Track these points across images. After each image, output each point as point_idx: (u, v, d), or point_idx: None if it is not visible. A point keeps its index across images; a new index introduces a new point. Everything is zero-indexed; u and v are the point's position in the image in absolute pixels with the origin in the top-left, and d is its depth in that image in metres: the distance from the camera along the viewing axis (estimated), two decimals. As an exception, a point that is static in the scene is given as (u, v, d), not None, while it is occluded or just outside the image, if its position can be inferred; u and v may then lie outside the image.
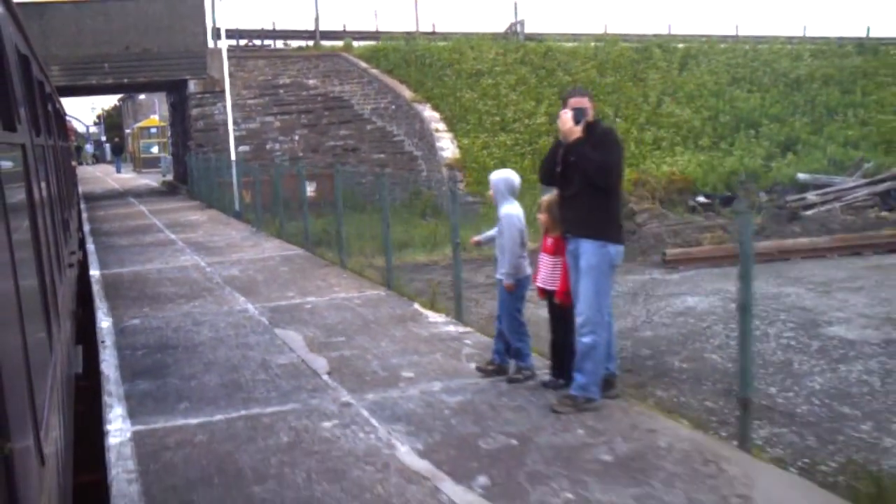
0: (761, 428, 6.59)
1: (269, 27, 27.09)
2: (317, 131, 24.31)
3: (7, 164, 2.63)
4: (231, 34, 25.78)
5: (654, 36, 26.87)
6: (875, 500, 4.12)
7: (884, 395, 7.48)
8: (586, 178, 4.51)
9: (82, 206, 20.11)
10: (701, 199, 19.01)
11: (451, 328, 6.55)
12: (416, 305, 7.50)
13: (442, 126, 21.98)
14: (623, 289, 12.65)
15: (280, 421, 4.64)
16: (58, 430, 3.10)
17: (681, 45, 26.27)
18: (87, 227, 15.73)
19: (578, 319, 4.53)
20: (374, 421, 4.57)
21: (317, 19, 26.37)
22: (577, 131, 4.55)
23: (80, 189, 24.04)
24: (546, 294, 4.95)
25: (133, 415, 4.87)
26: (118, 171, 42.62)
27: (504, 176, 5.22)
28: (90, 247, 12.97)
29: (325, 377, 5.45)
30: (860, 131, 22.57)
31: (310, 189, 15.34)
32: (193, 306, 7.98)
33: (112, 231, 15.26)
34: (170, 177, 30.86)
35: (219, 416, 4.76)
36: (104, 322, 7.44)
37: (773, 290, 12.16)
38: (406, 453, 4.09)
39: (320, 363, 5.76)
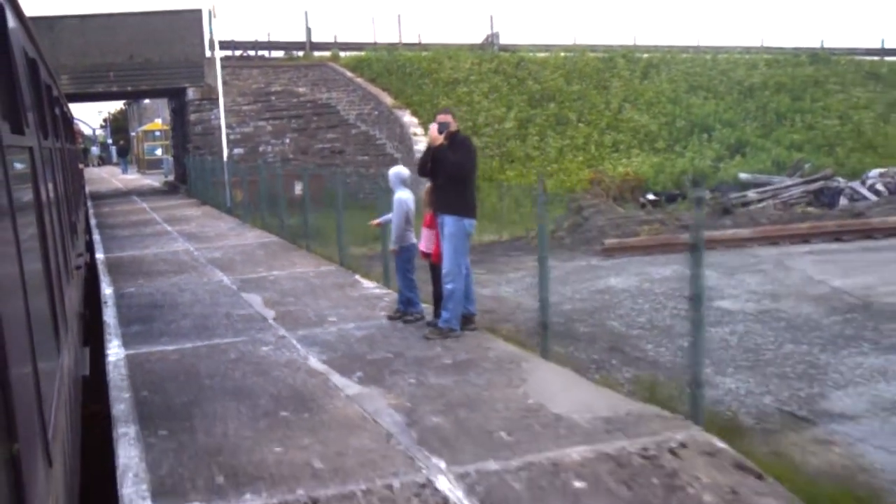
0: (627, 371, 8.36)
1: (264, 38, 28.89)
2: (306, 135, 26.08)
3: (15, 167, 2.60)
4: (227, 45, 27.65)
5: (620, 47, 28.62)
6: (647, 392, 5.83)
7: (735, 349, 9.23)
8: (447, 172, 6.26)
9: (89, 203, 21.85)
10: (650, 196, 20.75)
11: (377, 290, 8.31)
12: (357, 276, 9.26)
13: (419, 130, 23.70)
14: (559, 272, 14.39)
15: (231, 347, 6.39)
16: (65, 431, 3.12)
17: (645, 55, 28.01)
18: (93, 221, 17.50)
19: (443, 272, 6.29)
20: (298, 346, 6.32)
21: (308, 31, 28.12)
22: (440, 139, 6.30)
23: (87, 189, 25.78)
24: (426, 256, 6.70)
25: (126, 345, 6.62)
26: (123, 172, 44.41)
27: (396, 171, 7.00)
28: (96, 237, 14.74)
29: (272, 322, 7.20)
30: (806, 135, 24.31)
31: (298, 188, 17.09)
32: (179, 279, 9.74)
33: (116, 224, 17.04)
34: (171, 177, 32.65)
35: (188, 344, 6.52)
36: (107, 290, 9.21)
37: (688, 272, 13.89)
38: (314, 362, 5.84)
39: (270, 313, 7.52)
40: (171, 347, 6.46)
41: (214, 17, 21.99)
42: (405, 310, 6.95)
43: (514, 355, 5.77)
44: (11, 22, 2.97)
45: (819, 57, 28.84)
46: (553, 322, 11.36)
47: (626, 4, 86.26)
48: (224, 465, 4.01)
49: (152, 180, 35.63)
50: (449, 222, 6.28)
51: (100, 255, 12.14)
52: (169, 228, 15.66)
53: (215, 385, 5.38)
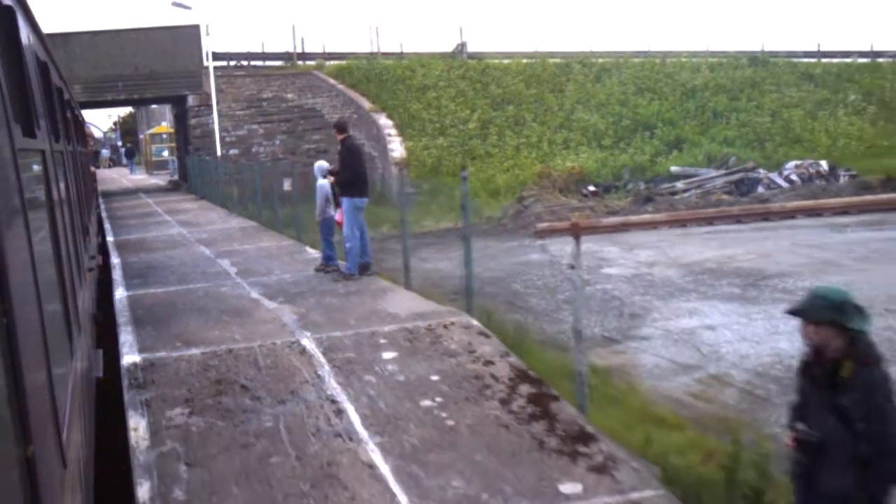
0: (508, 315, 11.00)
1: (256, 49, 31.59)
2: (294, 137, 28.79)
3: (27, 171, 2.58)
4: (224, 57, 30.37)
5: (578, 53, 31.19)
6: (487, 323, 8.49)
7: (596, 300, 11.89)
8: (340, 169, 8.95)
9: (100, 200, 24.56)
10: (591, 187, 23.37)
11: (316, 255, 10.99)
12: (307, 248, 11.95)
13: (393, 131, 26.41)
14: (494, 251, 17.13)
15: (201, 289, 9.10)
16: (79, 433, 3.11)
17: (600, 61, 30.60)
18: (104, 214, 20.23)
19: (343, 236, 8.99)
20: (246, 286, 9.02)
21: (295, 44, 30.83)
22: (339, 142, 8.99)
23: (99, 188, 28.51)
24: (340, 224, 9.39)
25: (127, 289, 9.33)
26: (131, 172, 47.18)
27: (319, 164, 9.71)
28: (107, 225, 17.47)
29: (233, 275, 9.91)
30: (738, 131, 26.89)
31: (287, 184, 19.76)
32: (171, 252, 12.46)
33: (123, 216, 19.79)
34: (175, 176, 35.41)
35: (171, 288, 9.22)
36: (115, 259, 11.93)
37: (595, 248, 16.59)
38: (254, 294, 8.54)
39: (233, 270, 10.22)
40: (159, 290, 9.17)
41: (207, 34, 24.62)
42: (326, 264, 9.63)
43: (387, 288, 8.46)
44: (22, 26, 2.96)
45: (758, 60, 31.35)
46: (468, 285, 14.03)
47: (586, 14, 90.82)
48: (182, 339, 6.71)
49: (158, 180, 38.44)
50: (344, 202, 8.98)
51: (110, 238, 14.87)
52: (168, 218, 18.40)
53: (185, 307, 8.08)
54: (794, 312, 3.31)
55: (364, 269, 9.15)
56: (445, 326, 6.65)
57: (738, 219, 19.60)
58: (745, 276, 12.92)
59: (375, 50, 30.56)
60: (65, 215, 4.16)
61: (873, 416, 3.10)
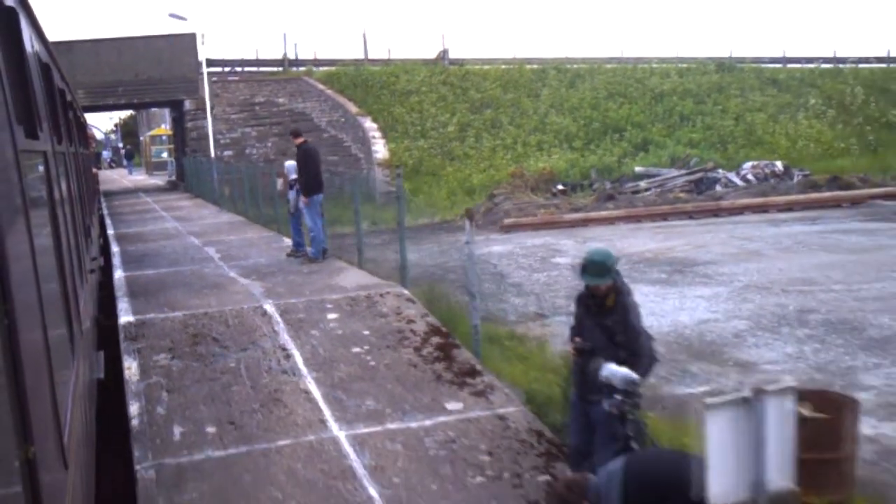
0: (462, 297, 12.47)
1: (250, 56, 33.10)
2: (285, 139, 30.11)
3: (29, 172, 2.57)
4: (218, 63, 31.87)
5: (554, 59, 32.70)
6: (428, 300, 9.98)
7: (541, 285, 13.37)
8: (299, 171, 10.46)
9: (102, 199, 26.04)
10: (560, 186, 24.85)
11: (290, 244, 12.49)
12: (284, 238, 13.43)
13: (378, 134, 27.91)
14: (460, 244, 18.55)
15: (187, 270, 10.59)
16: (80, 434, 3.15)
17: (574, 66, 32.10)
18: (105, 211, 21.72)
19: (308, 228, 10.49)
20: (226, 268, 10.52)
21: (286, 51, 32.34)
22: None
23: (101, 187, 29.98)
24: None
25: (125, 271, 10.82)
26: (130, 173, 48.68)
27: (290, 164, 11.19)
28: (108, 220, 18.95)
29: (217, 259, 11.40)
30: (703, 134, 28.39)
31: (279, 184, 21.27)
32: (165, 242, 13.96)
33: (123, 212, 21.28)
34: (173, 177, 36.89)
35: (162, 270, 10.72)
36: (115, 248, 13.43)
37: (552, 241, 18.11)
38: (232, 274, 10.04)
39: (217, 256, 11.72)
40: (151, 272, 10.67)
41: (203, 43, 26.13)
42: (296, 250, 11.13)
43: (344, 268, 9.98)
44: (24, 27, 2.94)
45: (725, 65, 32.85)
46: (435, 273, 15.48)
47: (563, 22, 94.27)
48: (168, 305, 8.21)
49: (157, 180, 39.94)
50: (314, 198, 10.50)
51: (110, 231, 16.36)
52: (164, 214, 19.90)
53: (173, 283, 9.59)
54: (584, 272, 4.73)
55: (325, 253, 10.65)
56: (381, 295, 8.15)
57: (690, 214, 21.18)
58: (676, 264, 14.41)
59: (363, 56, 32.06)
60: (66, 217, 4.16)
61: (628, 331, 4.61)
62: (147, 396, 6.22)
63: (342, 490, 5.05)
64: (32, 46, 3.25)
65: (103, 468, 5.32)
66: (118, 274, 10.57)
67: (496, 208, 21.88)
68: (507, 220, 20.43)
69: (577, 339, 4.76)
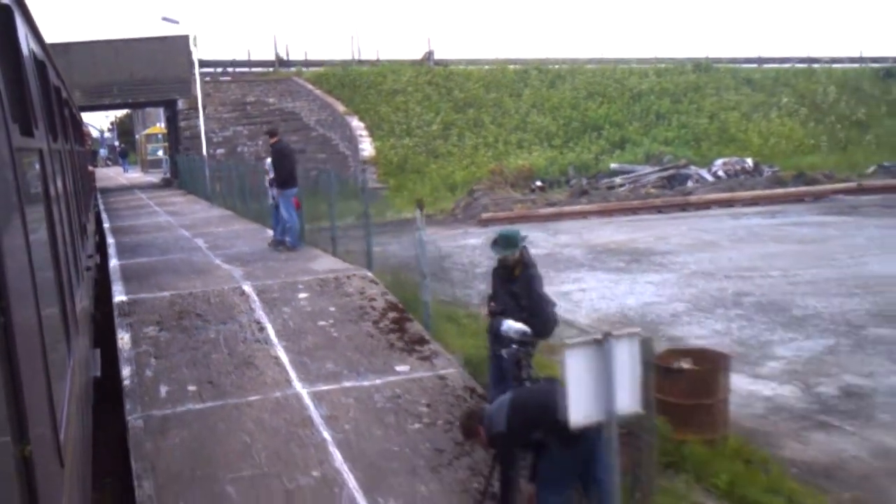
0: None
1: (242, 57, 33.95)
2: (275, 137, 31.12)
3: (24, 170, 2.57)
4: (210, 64, 32.72)
5: (536, 60, 33.62)
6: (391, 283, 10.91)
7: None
8: (274, 167, 11.39)
9: (98, 195, 26.89)
10: (538, 183, 25.78)
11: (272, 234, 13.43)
12: (268, 230, 14.35)
13: (364, 132, 28.81)
14: (439, 236, 19.48)
15: (177, 258, 11.50)
16: (77, 432, 3.14)
17: (556, 67, 33.02)
18: (102, 206, 22.59)
19: (283, 219, 11.41)
20: (212, 256, 11.43)
21: (276, 52, 33.21)
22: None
23: (97, 185, 30.85)
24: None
25: (120, 259, 11.73)
26: (125, 171, 49.51)
27: (269, 160, 12.09)
28: (104, 215, 19.83)
29: (204, 249, 12.31)
30: (678, 132, 29.35)
31: (267, 180, 22.21)
32: (157, 234, 14.86)
33: (119, 207, 22.17)
34: (168, 174, 37.73)
35: (154, 258, 11.63)
36: (110, 240, 14.33)
37: (524, 233, 18.99)
38: (217, 261, 10.96)
39: (205, 245, 12.63)
40: (144, 259, 11.59)
41: (195, 45, 26.99)
42: (280, 240, 12.06)
43: (319, 255, 10.90)
44: (20, 24, 2.93)
45: (702, 66, 33.81)
46: (409, 264, 16.38)
47: (546, 23, 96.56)
48: (157, 287, 9.13)
49: (152, 178, 40.77)
50: (282, 192, 11.43)
51: (106, 224, 17.26)
52: (158, 209, 20.79)
53: (163, 269, 10.51)
54: (495, 245, 5.70)
55: (278, 244, 11.66)
56: (348, 277, 9.08)
57: (659, 209, 22.14)
58: (636, 253, 15.36)
59: (352, 57, 32.94)
60: (62, 214, 4.15)
61: (531, 297, 5.55)
62: (137, 362, 7.14)
63: (301, 435, 5.99)
64: (27, 44, 3.25)
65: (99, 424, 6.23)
66: (113, 262, 11.48)
67: (475, 203, 22.81)
68: (485, 215, 21.37)
69: (492, 304, 5.70)
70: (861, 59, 37.35)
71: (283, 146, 11.99)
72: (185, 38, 31.03)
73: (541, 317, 5.44)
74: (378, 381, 6.74)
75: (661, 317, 10.52)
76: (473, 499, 5.12)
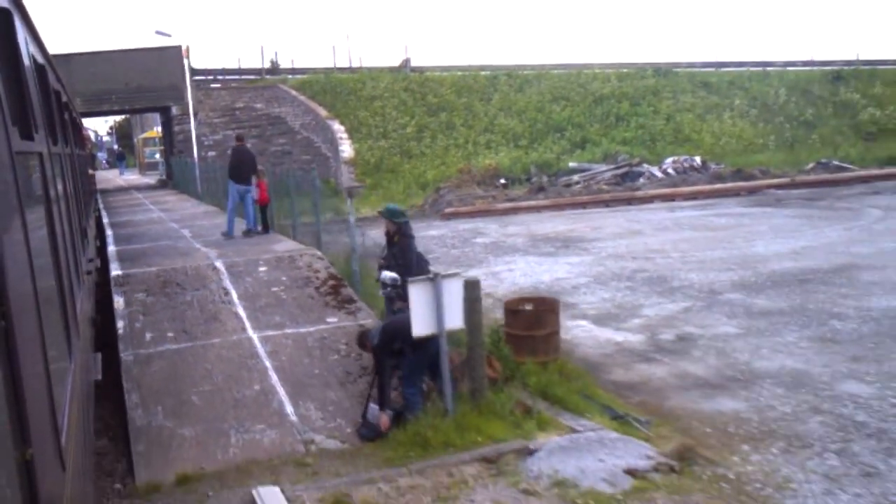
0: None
1: (232, 65, 36.02)
2: (262, 140, 33.17)
3: (25, 174, 2.56)
4: (202, 73, 34.77)
5: (506, 66, 35.72)
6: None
7: (452, 258, 16.36)
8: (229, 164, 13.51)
9: (98, 196, 28.96)
10: (502, 181, 27.87)
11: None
12: (243, 222, 16.42)
13: (344, 135, 30.89)
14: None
15: (165, 244, 13.59)
16: (78, 435, 3.15)
17: (525, 73, 35.11)
18: (101, 205, 24.67)
19: (228, 209, 13.51)
20: (195, 242, 13.52)
21: (263, 62, 35.26)
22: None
23: (97, 186, 32.90)
24: (261, 202, 13.90)
25: (117, 246, 13.82)
26: (122, 174, 51.60)
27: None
28: (104, 212, 21.91)
29: (188, 237, 14.40)
30: (635, 133, 31.43)
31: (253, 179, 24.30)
32: (149, 226, 16.95)
33: (116, 206, 24.26)
34: (163, 176, 39.79)
35: (146, 245, 13.72)
36: (109, 232, 16.41)
37: (481, 225, 21.13)
38: (198, 245, 13.04)
39: (188, 234, 14.72)
40: (137, 246, 13.67)
41: (187, 57, 29.05)
42: (249, 229, 14.14)
43: (281, 240, 12.99)
44: (19, 28, 2.96)
45: (661, 71, 35.91)
46: (367, 249, 18.39)
47: (517, 31, 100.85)
48: (146, 265, 11.22)
49: (149, 179, 42.83)
50: (231, 186, 13.57)
51: (106, 220, 19.35)
52: (152, 207, 22.88)
53: (152, 252, 12.59)
54: (381, 214, 7.81)
55: (266, 229, 13.72)
56: (301, 255, 11.18)
57: (607, 203, 24.24)
58: (568, 240, 17.47)
59: (334, 65, 35.02)
60: (62, 218, 4.16)
61: (406, 258, 7.66)
62: (128, 317, 9.24)
63: (249, 363, 8.09)
64: (27, 48, 3.26)
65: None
66: (111, 248, 13.56)
67: (441, 199, 24.91)
68: (448, 209, 23.47)
69: (381, 260, 7.81)
70: (813, 63, 39.49)
71: (239, 149, 14.10)
72: (177, 49, 33.07)
73: (412, 271, 7.55)
74: (311, 329, 8.85)
75: (565, 288, 12.63)
76: (364, 398, 7.24)
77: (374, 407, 6.89)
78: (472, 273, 14.46)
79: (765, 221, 18.70)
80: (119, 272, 10.77)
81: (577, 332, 10.13)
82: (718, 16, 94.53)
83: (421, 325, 6.38)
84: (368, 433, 6.74)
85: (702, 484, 5.70)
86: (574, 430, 6.46)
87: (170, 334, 8.79)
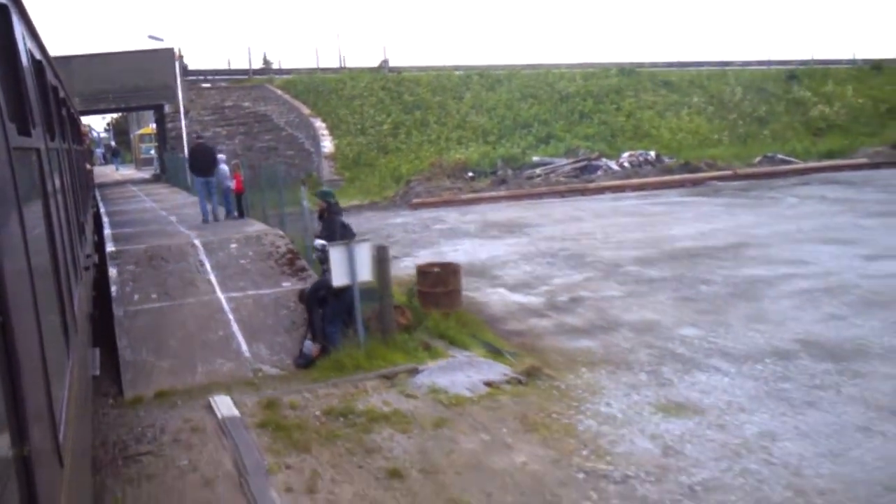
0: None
1: (221, 66, 37.92)
2: (250, 137, 35.13)
3: (22, 169, 2.55)
4: (193, 73, 36.65)
5: (478, 66, 37.66)
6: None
7: (409, 241, 18.36)
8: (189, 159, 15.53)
9: (96, 189, 30.88)
10: (470, 174, 29.84)
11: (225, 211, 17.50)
12: (222, 209, 18.41)
13: (326, 132, 32.83)
14: (374, 217, 23.57)
15: (154, 228, 15.57)
16: (76, 432, 3.12)
17: (496, 73, 37.07)
18: (99, 197, 26.60)
19: (199, 198, 15.51)
20: (179, 225, 15.50)
21: (251, 63, 37.11)
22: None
23: (95, 181, 34.82)
24: (236, 190, 15.88)
25: (112, 230, 15.79)
26: (117, 169, 53.57)
27: (220, 155, 16.16)
28: (101, 203, 23.86)
29: (174, 222, 16.38)
30: (598, 129, 33.41)
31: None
32: (142, 214, 18.92)
33: (113, 197, 26.22)
34: (158, 171, 41.69)
35: (137, 229, 15.69)
36: (105, 219, 18.37)
37: (443, 214, 23.13)
38: (181, 228, 15.03)
39: (175, 220, 16.70)
40: (129, 229, 15.65)
41: (179, 59, 30.97)
42: (227, 213, 16.12)
43: (252, 223, 14.98)
44: (17, 24, 2.95)
45: (625, 70, 37.87)
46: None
47: (491, 32, 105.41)
48: (137, 242, 13.21)
49: (144, 174, 44.72)
50: (194, 179, 15.58)
51: (103, 209, 21.31)
52: (145, 198, 24.84)
53: (142, 234, 14.58)
54: (316, 195, 9.83)
55: (241, 215, 15.72)
56: (266, 235, 13.18)
57: (562, 194, 26.24)
58: (514, 226, 19.48)
59: (317, 66, 36.95)
60: (60, 214, 4.16)
61: (332, 229, 9.68)
62: (121, 283, 11.23)
63: (216, 317, 10.10)
64: (25, 43, 3.25)
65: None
66: (107, 231, 15.54)
67: (411, 191, 26.90)
68: (415, 200, 25.46)
69: (316, 232, 9.82)
70: (770, 63, 41.50)
71: (198, 145, 16.12)
72: (170, 51, 34.96)
73: (336, 238, 9.55)
74: (268, 291, 10.86)
75: (496, 264, 14.64)
76: (303, 339, 9.25)
77: (308, 343, 8.91)
78: (423, 253, 16.49)
79: (693, 209, 20.72)
80: (113, 248, 12.76)
81: (494, 296, 12.15)
82: (684, 17, 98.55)
83: (339, 278, 8.39)
84: (303, 362, 8.77)
85: (539, 391, 7.73)
86: (454, 357, 8.48)
87: (153, 296, 10.79)
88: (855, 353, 8.39)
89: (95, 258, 11.25)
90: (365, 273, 8.46)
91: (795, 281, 11.79)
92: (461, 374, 8.04)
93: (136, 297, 10.76)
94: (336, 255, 8.33)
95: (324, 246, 9.22)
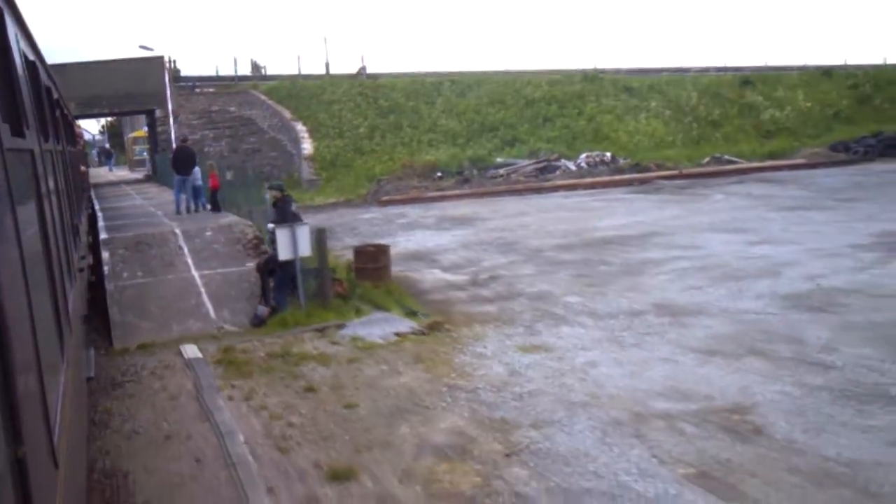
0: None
1: (209, 73, 40.02)
2: (236, 140, 37.24)
3: (15, 170, 2.56)
4: (182, 79, 38.75)
5: (451, 73, 39.86)
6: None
7: (370, 233, 20.50)
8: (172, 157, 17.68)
9: (91, 189, 32.93)
10: (439, 174, 32.00)
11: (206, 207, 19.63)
12: (207, 205, 20.53)
13: (306, 135, 34.96)
14: (347, 213, 25.72)
15: (142, 220, 17.69)
16: (71, 433, 3.13)
17: (467, 79, 39.26)
18: (94, 195, 28.67)
19: (174, 192, 17.65)
20: (164, 219, 17.64)
21: (236, 70, 39.22)
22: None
23: (90, 181, 36.88)
24: (212, 188, 18.03)
25: (105, 221, 17.91)
26: (110, 170, 55.62)
27: (204, 161, 18.32)
28: (95, 200, 25.94)
29: (161, 216, 18.51)
30: (560, 132, 35.62)
31: (229, 174, 28.36)
32: (132, 209, 21.03)
33: (107, 196, 28.31)
34: (149, 171, 43.74)
35: (127, 221, 17.80)
36: (100, 214, 20.47)
37: (409, 210, 25.30)
38: (166, 220, 17.17)
39: (161, 214, 18.83)
40: (120, 222, 17.76)
41: (168, 66, 33.07)
42: (203, 206, 18.24)
43: (226, 215, 17.12)
44: (10, 24, 2.95)
45: (589, 76, 40.12)
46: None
47: (464, 39, 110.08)
48: (126, 229, 15.35)
49: (137, 175, 46.77)
50: (174, 176, 17.74)
51: (97, 206, 23.40)
52: (136, 196, 26.95)
53: (131, 225, 16.70)
54: (269, 186, 11.99)
55: (217, 208, 17.85)
56: (237, 224, 15.33)
57: (520, 192, 28.41)
58: (466, 220, 21.65)
59: (299, 72, 39.08)
60: (54, 215, 4.18)
61: (284, 216, 11.84)
62: (112, 264, 13.37)
63: (190, 289, 12.26)
64: (18, 44, 3.25)
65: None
66: (101, 223, 17.65)
67: (381, 190, 29.06)
68: (384, 197, 27.62)
69: (272, 218, 11.97)
70: (726, 69, 43.81)
71: (180, 148, 18.27)
72: (160, 59, 37.07)
73: (285, 223, 11.68)
74: (235, 269, 13.02)
75: (439, 250, 16.82)
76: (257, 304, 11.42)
77: (260, 307, 11.08)
78: (381, 242, 18.62)
79: (628, 205, 22.94)
80: (106, 236, 14.90)
81: (428, 275, 14.33)
82: (649, 26, 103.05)
83: (284, 253, 10.56)
84: (257, 322, 10.94)
85: (436, 339, 9.91)
86: (375, 315, 10.66)
87: (139, 273, 12.94)
88: (693, 312, 10.59)
89: (90, 260, 11.60)
90: (305, 249, 10.62)
91: (679, 262, 14.00)
92: (378, 328, 10.22)
93: (125, 274, 12.91)
94: (282, 234, 10.49)
95: (272, 228, 11.37)
